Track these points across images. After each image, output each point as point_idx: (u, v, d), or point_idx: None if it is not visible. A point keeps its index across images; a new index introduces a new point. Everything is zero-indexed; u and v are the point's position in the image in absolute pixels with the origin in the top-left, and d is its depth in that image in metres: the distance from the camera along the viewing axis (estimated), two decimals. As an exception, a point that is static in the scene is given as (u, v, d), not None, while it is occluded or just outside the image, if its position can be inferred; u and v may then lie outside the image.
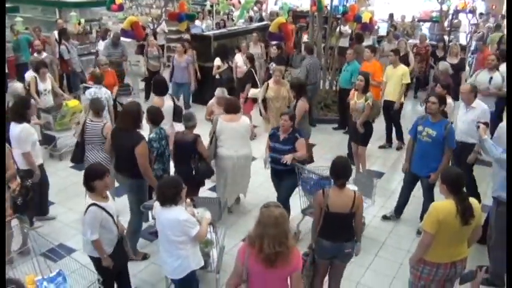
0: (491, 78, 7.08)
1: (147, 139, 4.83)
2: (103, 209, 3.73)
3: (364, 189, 5.53)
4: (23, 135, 4.95)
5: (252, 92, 7.97)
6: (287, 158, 5.02)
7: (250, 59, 8.75)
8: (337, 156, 3.98)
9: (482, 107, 5.65)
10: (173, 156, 5.39)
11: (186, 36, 11.76)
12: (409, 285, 3.92)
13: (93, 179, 3.70)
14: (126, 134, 4.67)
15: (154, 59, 10.04)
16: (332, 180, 3.93)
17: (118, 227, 3.93)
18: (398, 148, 7.99)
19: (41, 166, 5.28)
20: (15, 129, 4.97)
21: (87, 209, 3.69)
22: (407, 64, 9.09)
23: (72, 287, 3.56)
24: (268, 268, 2.94)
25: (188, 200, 4.35)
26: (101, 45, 10.24)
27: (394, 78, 7.70)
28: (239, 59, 9.26)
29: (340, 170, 3.79)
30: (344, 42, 11.80)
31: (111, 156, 5.10)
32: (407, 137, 6.34)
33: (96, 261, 3.85)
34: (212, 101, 6.66)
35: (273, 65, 9.11)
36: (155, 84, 6.45)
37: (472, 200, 3.56)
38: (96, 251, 3.78)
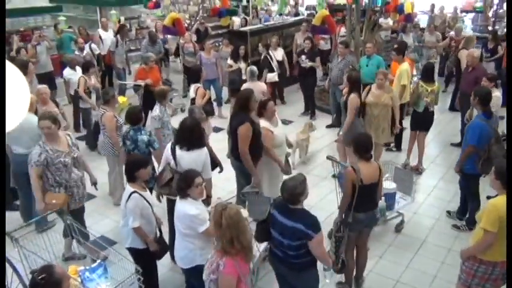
0: None
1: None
2: (143, 197, 3.82)
3: (404, 185, 5.42)
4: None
5: (269, 77, 8.74)
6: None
7: (266, 46, 9.41)
8: (359, 134, 4.32)
9: None
10: None
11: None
12: (458, 280, 3.76)
13: (138, 168, 3.84)
14: (235, 117, 4.98)
15: (189, 55, 10.19)
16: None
17: (156, 218, 4.00)
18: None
19: None
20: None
21: (129, 196, 3.76)
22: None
23: (113, 277, 3.65)
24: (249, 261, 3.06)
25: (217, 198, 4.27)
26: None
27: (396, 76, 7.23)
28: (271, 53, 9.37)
29: (367, 144, 4.09)
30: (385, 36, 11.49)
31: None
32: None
33: (137, 253, 3.90)
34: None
35: (302, 58, 8.91)
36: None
37: None
38: (139, 239, 3.85)
